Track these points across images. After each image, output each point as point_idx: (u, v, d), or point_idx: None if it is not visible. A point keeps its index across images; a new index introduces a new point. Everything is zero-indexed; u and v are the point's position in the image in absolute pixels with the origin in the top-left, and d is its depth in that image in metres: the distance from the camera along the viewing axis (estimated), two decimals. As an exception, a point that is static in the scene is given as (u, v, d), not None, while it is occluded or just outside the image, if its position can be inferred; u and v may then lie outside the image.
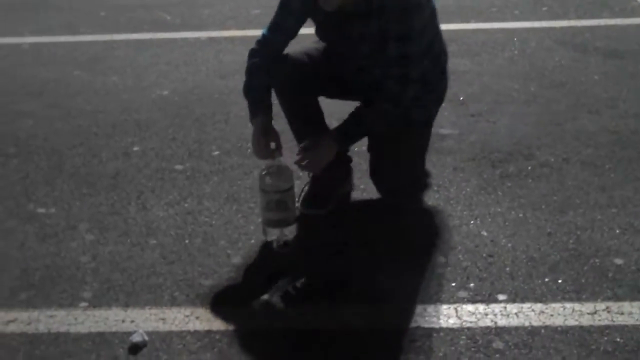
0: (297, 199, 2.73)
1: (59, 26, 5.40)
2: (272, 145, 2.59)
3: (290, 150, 2.72)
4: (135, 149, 3.44)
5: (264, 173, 2.58)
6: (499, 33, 4.77)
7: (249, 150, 3.00)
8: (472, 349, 2.14)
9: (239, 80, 2.76)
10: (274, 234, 2.62)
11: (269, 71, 2.66)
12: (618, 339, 2.14)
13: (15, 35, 5.21)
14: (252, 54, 2.70)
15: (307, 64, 2.70)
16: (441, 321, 2.25)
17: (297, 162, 2.60)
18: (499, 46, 4.54)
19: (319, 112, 2.81)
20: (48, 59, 4.73)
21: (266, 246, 2.65)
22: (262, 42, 2.70)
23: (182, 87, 4.16)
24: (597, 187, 2.92)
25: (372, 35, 2.54)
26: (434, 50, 2.68)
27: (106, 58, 4.69)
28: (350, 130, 2.63)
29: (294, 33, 2.69)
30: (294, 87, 2.69)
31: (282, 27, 2.68)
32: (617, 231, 2.63)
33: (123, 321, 2.33)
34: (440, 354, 2.13)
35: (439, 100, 2.84)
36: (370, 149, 2.88)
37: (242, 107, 2.91)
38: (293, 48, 2.73)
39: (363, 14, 2.51)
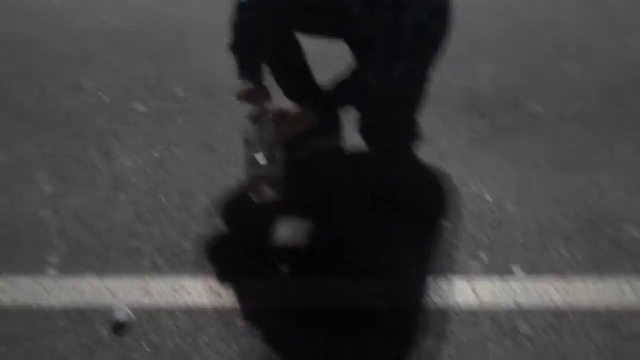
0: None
1: None
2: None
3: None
4: (87, 84, 3.08)
5: (250, 122, 2.30)
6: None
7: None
8: (498, 333, 1.97)
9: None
10: (258, 192, 2.34)
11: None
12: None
13: None
14: (242, 6, 2.36)
15: None
16: (458, 299, 2.07)
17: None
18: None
19: (299, 55, 2.54)
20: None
21: (250, 205, 2.35)
22: None
23: (136, 15, 3.77)
24: (595, 145, 2.75)
25: None
26: None
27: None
28: (332, 103, 2.33)
29: None
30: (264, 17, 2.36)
31: None
32: (625, 195, 2.49)
33: (101, 294, 2.06)
34: (464, 339, 1.95)
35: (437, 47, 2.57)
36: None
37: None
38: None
39: None
